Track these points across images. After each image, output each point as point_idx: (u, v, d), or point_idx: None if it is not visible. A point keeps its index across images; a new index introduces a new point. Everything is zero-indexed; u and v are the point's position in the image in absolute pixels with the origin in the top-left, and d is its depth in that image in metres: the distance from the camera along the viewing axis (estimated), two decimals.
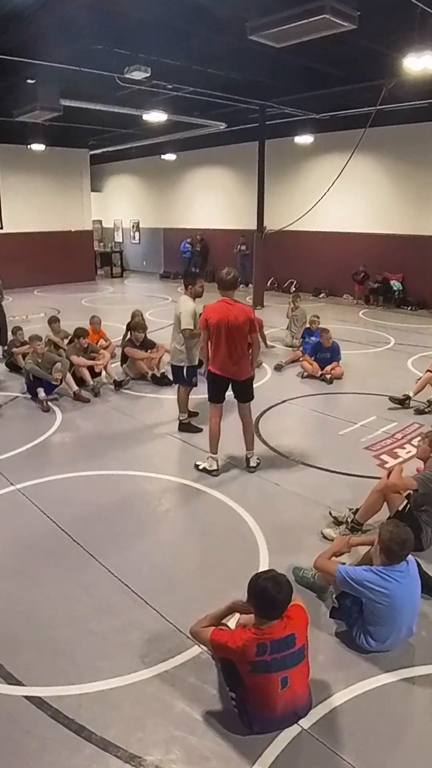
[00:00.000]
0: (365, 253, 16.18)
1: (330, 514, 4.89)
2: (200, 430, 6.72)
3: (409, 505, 4.37)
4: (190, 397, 6.94)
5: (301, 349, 9.92)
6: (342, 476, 5.77)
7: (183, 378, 6.77)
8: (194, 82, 11.18)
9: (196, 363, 6.77)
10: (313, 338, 9.80)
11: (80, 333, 8.70)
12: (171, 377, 8.67)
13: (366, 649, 3.43)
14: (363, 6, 6.81)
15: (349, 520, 4.68)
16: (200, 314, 5.95)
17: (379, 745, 2.88)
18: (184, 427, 6.91)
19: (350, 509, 4.78)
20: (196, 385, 6.88)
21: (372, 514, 4.63)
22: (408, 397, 7.60)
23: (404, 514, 4.30)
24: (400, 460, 6.03)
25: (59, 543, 4.62)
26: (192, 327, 6.41)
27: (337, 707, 3.07)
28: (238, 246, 18.59)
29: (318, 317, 10.26)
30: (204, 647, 3.36)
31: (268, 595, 2.84)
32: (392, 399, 7.62)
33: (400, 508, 4.38)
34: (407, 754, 2.85)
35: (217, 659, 3.13)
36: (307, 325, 10.33)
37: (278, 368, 9.49)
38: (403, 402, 7.57)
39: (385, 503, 4.57)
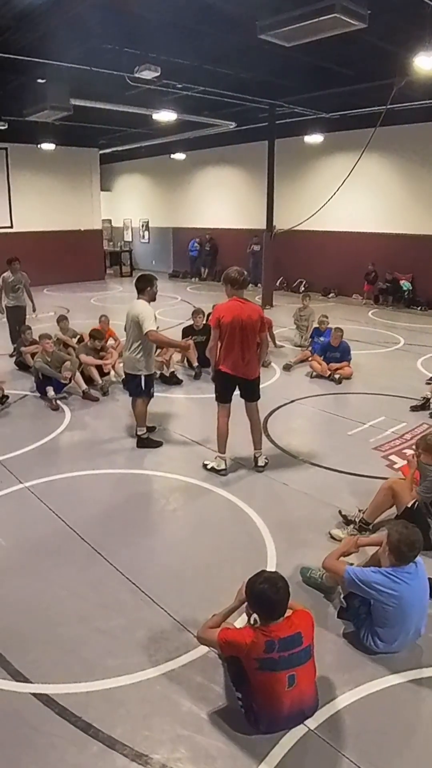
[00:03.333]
0: (375, 253, 16.12)
1: (340, 513, 4.88)
2: (161, 444, 6.47)
3: (417, 503, 4.36)
4: (191, 397, 6.82)
5: (310, 348, 9.92)
6: (350, 476, 5.75)
7: (141, 389, 6.28)
8: (204, 82, 11.18)
9: (153, 371, 6.40)
10: (322, 338, 9.79)
11: (95, 335, 8.69)
12: (179, 377, 8.75)
13: (374, 651, 3.42)
14: (373, 5, 6.78)
15: (358, 519, 4.67)
16: (206, 316, 5.90)
17: (386, 746, 2.87)
18: (143, 442, 6.44)
19: (359, 509, 4.77)
20: (152, 395, 6.48)
21: (380, 513, 4.62)
22: (427, 399, 7.58)
23: (413, 512, 4.29)
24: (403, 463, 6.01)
25: (67, 541, 4.64)
26: (155, 329, 5.97)
27: (344, 708, 3.06)
28: (251, 246, 18.57)
29: (327, 317, 10.25)
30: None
31: (266, 597, 2.87)
32: (413, 408, 7.57)
33: (408, 506, 4.37)
34: (414, 756, 2.84)
35: (224, 659, 3.13)
36: (316, 325, 10.31)
37: (287, 368, 9.48)
38: (424, 405, 7.54)
39: (393, 501, 4.57)
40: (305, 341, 10.62)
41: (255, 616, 3.01)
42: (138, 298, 6.19)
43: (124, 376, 8.23)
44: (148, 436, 6.53)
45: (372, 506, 4.62)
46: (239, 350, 5.51)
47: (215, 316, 5.55)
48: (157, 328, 6.07)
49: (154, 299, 6.23)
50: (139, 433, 6.48)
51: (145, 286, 6.17)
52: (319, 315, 10.59)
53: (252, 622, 3.07)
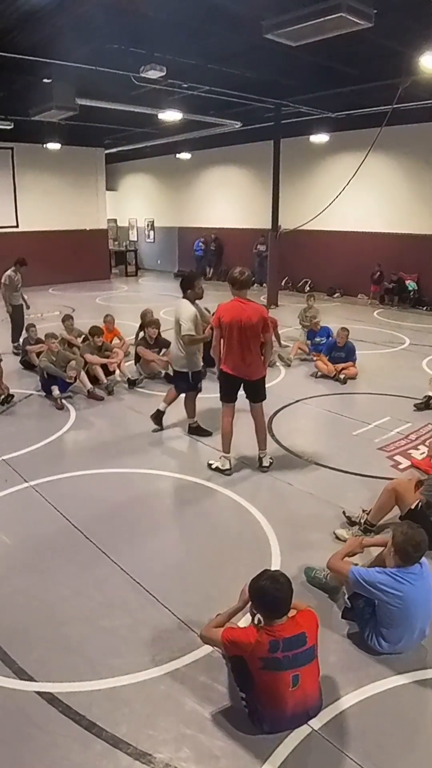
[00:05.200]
0: (380, 253, 16.08)
1: (344, 513, 4.88)
2: (210, 433, 6.67)
3: (421, 504, 4.35)
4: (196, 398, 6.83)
5: (307, 343, 9.99)
6: (355, 477, 5.74)
7: (188, 383, 6.53)
8: (209, 81, 11.18)
9: (200, 368, 6.55)
10: (317, 339, 9.85)
11: (95, 331, 8.74)
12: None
13: (378, 651, 3.41)
14: (379, 4, 6.76)
15: (362, 520, 4.66)
16: (212, 315, 5.93)
17: (390, 747, 2.87)
18: (194, 430, 6.81)
19: (363, 510, 4.76)
20: (200, 390, 6.71)
21: (384, 514, 4.61)
22: (429, 398, 7.57)
23: (417, 513, 4.29)
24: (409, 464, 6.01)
25: (72, 540, 4.65)
26: (193, 333, 6.13)
27: (348, 709, 3.05)
28: (256, 245, 18.56)
29: (316, 317, 10.35)
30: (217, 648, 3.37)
31: (268, 595, 2.87)
32: (417, 405, 7.57)
33: (412, 507, 4.36)
34: (418, 757, 2.83)
35: (228, 659, 3.12)
36: (309, 326, 10.33)
37: (287, 363, 9.60)
38: (427, 404, 7.53)
39: (397, 503, 4.55)
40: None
41: (259, 616, 3.01)
42: (182, 297, 6.33)
43: (128, 377, 8.56)
44: (197, 424, 6.81)
45: (376, 508, 4.61)
46: (238, 351, 5.51)
47: (216, 316, 5.58)
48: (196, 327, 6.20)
49: (199, 298, 6.33)
50: (189, 423, 6.83)
51: (187, 287, 6.31)
52: (322, 315, 10.59)
53: (256, 622, 3.07)
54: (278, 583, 2.89)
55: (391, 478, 5.05)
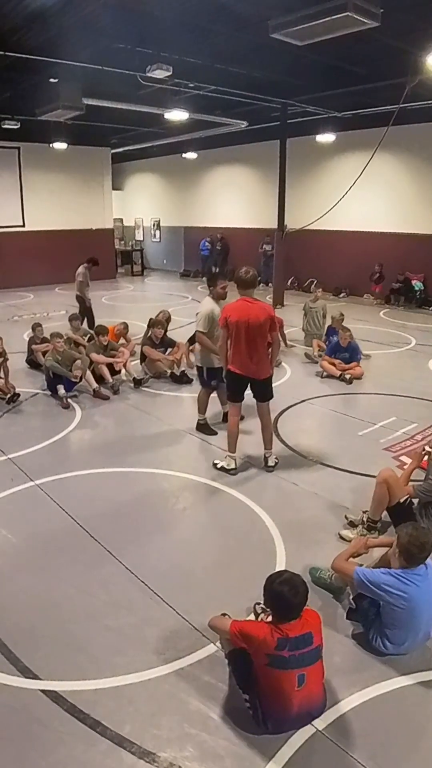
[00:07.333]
0: (386, 253, 16.04)
1: (345, 517, 4.86)
2: (215, 433, 6.71)
3: (409, 500, 4.35)
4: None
5: (326, 342, 9.93)
6: (360, 477, 5.72)
7: (203, 379, 6.69)
8: (216, 81, 11.17)
9: (214, 365, 6.47)
10: (333, 338, 9.80)
11: (100, 330, 8.76)
12: (189, 377, 8.79)
13: (382, 652, 3.41)
14: (386, 3, 6.74)
15: (365, 520, 4.64)
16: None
17: (394, 748, 2.86)
18: (201, 427, 6.84)
19: (364, 511, 4.74)
20: (215, 387, 6.75)
21: (383, 507, 4.55)
22: None
23: (404, 507, 4.29)
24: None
25: (77, 539, 4.66)
26: (204, 330, 6.26)
27: (352, 709, 3.05)
28: (262, 245, 18.54)
29: (322, 311, 10.50)
30: (219, 645, 3.36)
31: (284, 599, 2.86)
32: None
33: (401, 500, 4.36)
34: (422, 758, 2.82)
35: (229, 657, 3.12)
36: (330, 324, 10.26)
37: (314, 360, 9.67)
38: None
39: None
40: (313, 328, 10.58)
41: (262, 615, 3.01)
42: (209, 295, 6.55)
43: (134, 376, 8.58)
44: (206, 421, 6.85)
45: (374, 503, 4.58)
46: (246, 350, 5.51)
47: (223, 315, 5.59)
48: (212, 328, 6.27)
49: (221, 297, 6.42)
50: (198, 418, 6.88)
51: (209, 285, 6.63)
52: (328, 313, 10.59)
53: (261, 618, 3.07)
54: (296, 590, 2.87)
55: None
